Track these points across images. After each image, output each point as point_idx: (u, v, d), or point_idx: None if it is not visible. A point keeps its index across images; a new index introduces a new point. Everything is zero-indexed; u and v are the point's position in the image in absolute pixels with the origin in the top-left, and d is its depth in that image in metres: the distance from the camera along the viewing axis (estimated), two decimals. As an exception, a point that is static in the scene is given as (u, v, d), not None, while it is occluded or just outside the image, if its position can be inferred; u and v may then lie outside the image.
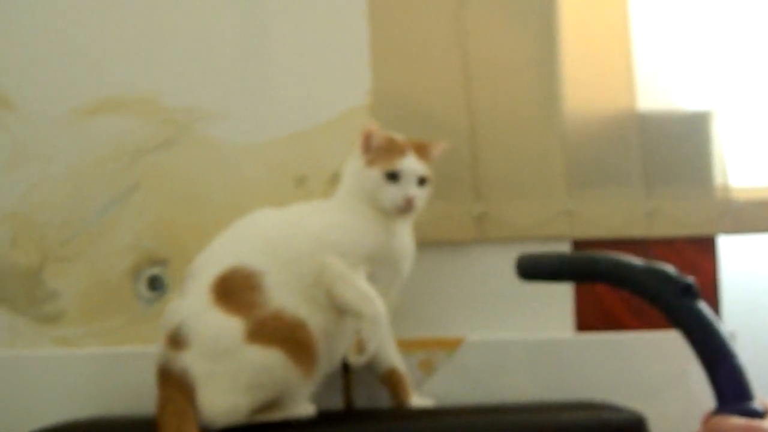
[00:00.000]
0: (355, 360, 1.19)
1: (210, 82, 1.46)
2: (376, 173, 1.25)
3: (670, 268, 0.86)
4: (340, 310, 1.20)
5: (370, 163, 1.26)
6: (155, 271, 1.43)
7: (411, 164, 1.25)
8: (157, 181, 1.44)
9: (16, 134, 1.44)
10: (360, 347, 1.18)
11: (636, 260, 0.88)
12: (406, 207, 1.24)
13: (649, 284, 0.86)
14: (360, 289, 1.19)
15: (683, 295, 0.84)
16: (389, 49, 1.46)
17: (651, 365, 1.41)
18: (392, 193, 1.24)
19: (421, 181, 1.26)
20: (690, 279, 0.84)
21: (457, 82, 1.45)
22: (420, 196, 1.25)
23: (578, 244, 1.46)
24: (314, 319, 1.18)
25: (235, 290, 1.17)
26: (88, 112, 1.44)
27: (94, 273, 1.43)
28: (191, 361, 1.14)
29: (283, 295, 1.17)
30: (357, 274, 1.20)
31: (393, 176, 1.24)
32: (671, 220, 1.46)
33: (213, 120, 1.45)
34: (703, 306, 0.84)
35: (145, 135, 1.44)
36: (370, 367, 1.29)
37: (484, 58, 1.46)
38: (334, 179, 1.37)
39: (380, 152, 1.26)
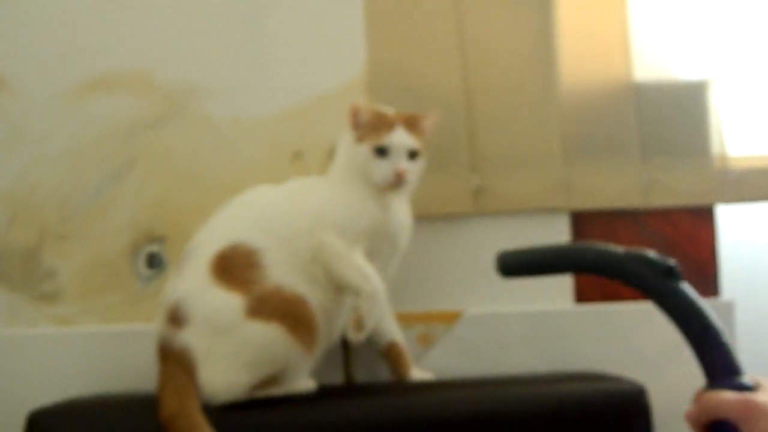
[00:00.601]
0: (354, 337, 1.19)
1: (205, 58, 1.45)
2: (365, 149, 1.24)
3: (651, 252, 0.86)
4: (338, 287, 1.21)
5: (360, 138, 1.25)
6: (153, 248, 1.43)
7: (400, 138, 1.24)
8: (153, 158, 1.43)
9: (12, 115, 1.43)
10: (358, 324, 1.18)
11: (616, 248, 0.88)
12: (396, 182, 1.23)
13: (632, 270, 0.86)
14: (358, 267, 1.19)
15: (666, 278, 0.84)
16: (385, 23, 1.45)
17: (651, 336, 1.41)
18: (382, 168, 1.23)
19: (412, 155, 1.25)
20: (671, 261, 0.85)
21: (453, 55, 1.44)
22: (411, 169, 1.24)
23: (576, 216, 1.45)
24: (313, 296, 1.19)
25: (234, 267, 1.17)
26: (84, 91, 1.43)
27: (92, 251, 1.43)
28: (191, 339, 1.14)
29: (282, 272, 1.18)
30: (354, 252, 1.20)
31: (382, 151, 1.23)
32: (669, 191, 1.45)
33: (208, 96, 1.44)
34: (687, 287, 0.84)
35: (140, 112, 1.44)
36: (370, 341, 1.30)
37: (480, 30, 1.45)
38: (331, 154, 1.36)
39: (369, 127, 1.25)
